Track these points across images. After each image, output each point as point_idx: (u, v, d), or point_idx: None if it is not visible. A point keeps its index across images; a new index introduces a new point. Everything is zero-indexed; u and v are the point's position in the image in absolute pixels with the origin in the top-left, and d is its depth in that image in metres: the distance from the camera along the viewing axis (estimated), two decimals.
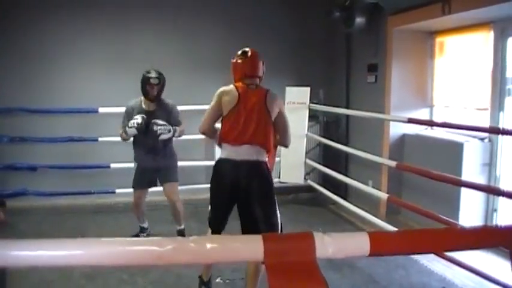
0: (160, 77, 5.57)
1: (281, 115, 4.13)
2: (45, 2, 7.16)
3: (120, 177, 7.23)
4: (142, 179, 5.74)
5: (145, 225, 6.06)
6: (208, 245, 1.35)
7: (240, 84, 4.12)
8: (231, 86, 4.10)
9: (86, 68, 7.35)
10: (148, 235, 5.96)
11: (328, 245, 1.36)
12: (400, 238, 1.58)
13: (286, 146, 4.37)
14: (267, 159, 4.08)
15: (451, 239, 1.60)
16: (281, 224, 4.14)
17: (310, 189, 7.59)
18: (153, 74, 5.52)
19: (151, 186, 5.85)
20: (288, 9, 7.93)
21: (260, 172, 3.99)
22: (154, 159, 5.65)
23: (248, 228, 4.00)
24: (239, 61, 4.20)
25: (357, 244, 1.43)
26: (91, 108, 7.03)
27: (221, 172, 4.12)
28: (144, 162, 5.70)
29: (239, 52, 4.27)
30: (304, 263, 1.32)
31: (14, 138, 7.06)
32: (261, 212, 3.95)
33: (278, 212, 4.09)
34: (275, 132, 4.14)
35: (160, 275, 4.81)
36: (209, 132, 4.27)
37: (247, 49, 4.26)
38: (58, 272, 4.71)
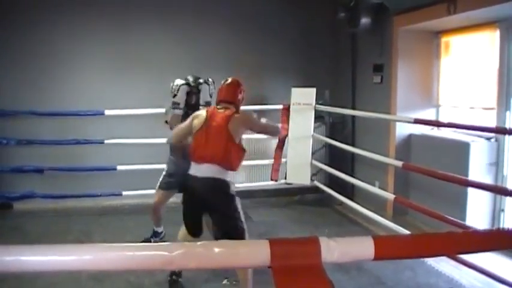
0: (198, 85, 5.56)
1: (254, 124, 4.61)
2: (54, 5, 7.18)
3: (127, 180, 7.26)
4: (173, 182, 5.51)
5: (160, 229, 5.86)
6: (216, 250, 1.36)
7: (212, 107, 4.50)
8: (203, 110, 4.50)
9: (92, 71, 7.38)
10: (161, 240, 5.82)
11: (334, 250, 1.37)
12: (404, 242, 1.59)
13: (276, 135, 5.32)
14: (228, 178, 4.30)
15: (456, 242, 1.60)
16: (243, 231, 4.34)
17: (316, 190, 7.58)
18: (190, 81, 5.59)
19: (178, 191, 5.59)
20: (293, 10, 7.92)
21: (217, 189, 4.24)
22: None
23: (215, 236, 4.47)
24: (219, 87, 4.58)
25: (362, 248, 1.44)
26: (97, 110, 7.05)
27: (187, 186, 4.39)
28: (180, 167, 5.39)
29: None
30: (310, 267, 1.33)
31: (21, 141, 7.09)
32: (220, 225, 4.33)
33: (242, 223, 4.29)
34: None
35: (167, 277, 4.82)
36: (176, 144, 4.97)
37: (229, 78, 4.59)
38: (65, 274, 4.71)
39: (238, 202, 4.29)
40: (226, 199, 4.28)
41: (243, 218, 4.28)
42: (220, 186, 4.23)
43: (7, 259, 1.35)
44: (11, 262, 1.35)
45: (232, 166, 4.27)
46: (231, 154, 4.23)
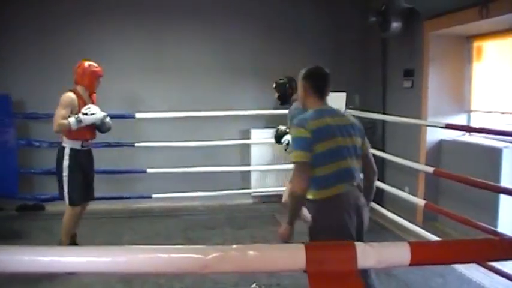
0: (280, 82, 5.80)
1: None
2: (83, 7, 7.29)
3: (157, 183, 7.32)
4: None
5: None
6: (252, 254, 1.36)
7: None
8: None
9: (123, 75, 7.44)
10: None
11: (369, 255, 1.37)
12: (440, 248, 1.58)
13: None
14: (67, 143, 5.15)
15: (492, 249, 1.58)
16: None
17: None
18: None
19: None
20: (322, 15, 7.91)
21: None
22: None
23: None
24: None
25: (398, 254, 1.43)
26: (128, 113, 7.11)
27: None
28: None
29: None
30: (345, 273, 1.32)
31: (52, 144, 7.17)
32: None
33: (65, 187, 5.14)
34: None
35: (197, 280, 4.84)
36: None
37: None
38: (95, 275, 4.75)
39: None
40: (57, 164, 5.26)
41: None
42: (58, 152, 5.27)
43: (39, 259, 1.37)
44: (44, 263, 1.37)
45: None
46: None
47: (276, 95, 5.77)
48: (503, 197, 5.28)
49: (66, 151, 5.18)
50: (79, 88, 5.30)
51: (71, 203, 5.23)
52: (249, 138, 7.74)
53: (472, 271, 4.95)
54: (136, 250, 1.43)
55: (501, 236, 4.49)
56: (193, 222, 6.88)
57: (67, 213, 5.27)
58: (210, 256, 1.34)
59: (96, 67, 5.36)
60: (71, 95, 5.19)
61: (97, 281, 4.79)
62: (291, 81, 5.68)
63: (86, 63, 5.31)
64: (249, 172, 7.81)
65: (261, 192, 7.73)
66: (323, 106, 3.60)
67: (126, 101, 7.41)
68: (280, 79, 5.78)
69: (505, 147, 5.51)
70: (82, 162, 5.30)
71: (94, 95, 5.50)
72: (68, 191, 5.17)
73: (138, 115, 7.11)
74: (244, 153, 7.88)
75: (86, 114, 5.13)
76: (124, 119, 7.20)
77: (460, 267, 5.05)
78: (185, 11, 7.61)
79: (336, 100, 7.26)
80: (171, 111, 7.21)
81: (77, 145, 5.23)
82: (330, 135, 3.33)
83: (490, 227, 4.69)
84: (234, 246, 1.38)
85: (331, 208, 3.32)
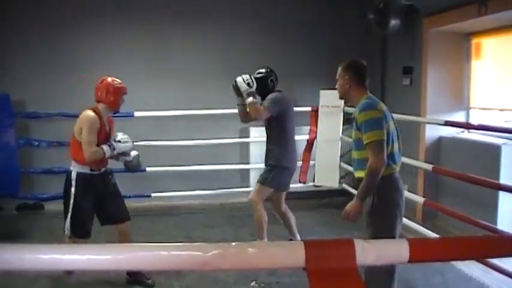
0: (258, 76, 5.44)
1: None
2: (84, 8, 7.30)
3: (156, 181, 7.32)
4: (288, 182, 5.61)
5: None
6: (251, 251, 1.37)
7: None
8: None
9: (122, 75, 7.37)
10: None
11: (369, 252, 1.37)
12: (439, 245, 1.58)
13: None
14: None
15: (491, 246, 1.59)
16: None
17: (344, 192, 7.54)
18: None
19: None
20: (322, 13, 7.91)
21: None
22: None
23: None
24: None
25: (397, 251, 1.43)
26: (127, 112, 7.10)
27: None
28: (295, 164, 5.60)
29: None
30: (345, 270, 1.33)
31: (52, 143, 7.20)
32: None
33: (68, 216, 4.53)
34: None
35: (196, 279, 4.86)
36: None
37: None
38: (95, 273, 4.75)
39: None
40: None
41: None
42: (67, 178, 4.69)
43: (41, 257, 1.38)
44: (45, 261, 1.38)
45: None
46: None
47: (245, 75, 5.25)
48: (502, 194, 5.29)
49: (73, 176, 4.57)
50: (100, 106, 4.70)
51: (72, 234, 4.55)
52: (248, 136, 7.74)
53: (472, 268, 4.95)
54: (136, 247, 1.43)
55: (500, 233, 4.50)
56: (192, 220, 6.88)
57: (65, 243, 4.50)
58: (210, 253, 1.35)
59: (120, 83, 4.83)
60: (94, 115, 4.59)
61: (97, 279, 4.79)
62: (269, 73, 5.50)
63: (109, 79, 4.79)
64: (248, 170, 7.81)
65: None
66: (371, 95, 3.85)
67: (125, 100, 7.39)
68: (258, 72, 5.48)
69: (504, 144, 5.52)
70: (93, 188, 4.64)
71: (110, 116, 4.93)
72: (71, 221, 4.52)
73: (136, 114, 7.10)
74: (243, 152, 7.88)
75: (119, 141, 4.70)
76: (123, 118, 7.19)
77: (460, 265, 5.05)
78: (185, 11, 7.60)
79: (335, 97, 7.27)
80: (169, 109, 7.20)
81: (85, 169, 4.60)
82: (390, 119, 3.70)
83: (489, 224, 4.69)
84: (234, 243, 1.38)
85: (397, 185, 3.69)
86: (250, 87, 5.12)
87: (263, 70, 5.49)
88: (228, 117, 7.29)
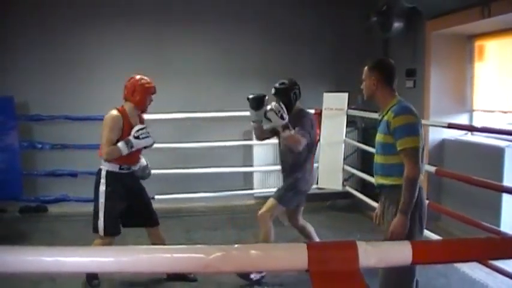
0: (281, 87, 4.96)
1: None
2: (85, 12, 7.32)
3: (159, 184, 7.31)
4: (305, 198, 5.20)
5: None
6: (253, 253, 1.36)
7: None
8: None
9: (125, 77, 7.42)
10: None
11: (371, 254, 1.37)
12: (442, 246, 1.58)
13: None
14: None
15: (494, 248, 1.59)
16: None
17: (348, 195, 7.53)
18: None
19: None
20: (324, 16, 7.90)
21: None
22: None
23: None
24: None
25: (400, 253, 1.43)
26: None
27: None
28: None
29: None
30: (347, 272, 1.33)
31: (55, 146, 7.22)
32: None
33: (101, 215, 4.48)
34: None
35: (200, 281, 4.84)
36: None
37: None
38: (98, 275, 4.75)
39: None
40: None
41: None
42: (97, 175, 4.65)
43: (45, 259, 1.38)
44: (48, 263, 1.38)
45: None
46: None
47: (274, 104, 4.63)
48: (505, 196, 5.27)
49: (103, 174, 4.54)
50: (127, 106, 4.65)
51: (106, 234, 4.50)
52: (251, 139, 7.73)
53: (475, 271, 4.94)
54: (139, 250, 1.43)
55: (503, 235, 4.49)
56: (195, 223, 6.89)
57: (96, 243, 4.51)
58: (212, 256, 1.34)
59: (149, 83, 4.72)
60: (116, 114, 4.54)
61: (100, 281, 4.79)
62: (294, 86, 4.98)
63: (138, 77, 4.71)
64: (251, 173, 7.81)
65: (264, 192, 7.69)
66: (400, 97, 3.70)
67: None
68: (281, 83, 4.97)
69: (507, 146, 5.50)
70: (123, 187, 4.62)
71: (143, 114, 4.89)
72: (104, 219, 4.46)
73: None
74: (246, 154, 7.88)
75: (137, 138, 4.53)
76: None
77: (464, 267, 5.04)
78: (188, 13, 7.61)
79: (338, 100, 7.31)
80: (173, 112, 7.20)
81: (114, 167, 4.57)
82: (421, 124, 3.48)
83: (492, 226, 4.68)
84: (236, 245, 1.38)
85: (422, 196, 3.54)
86: (284, 119, 4.53)
87: (286, 81, 4.96)
88: (232, 119, 7.31)
